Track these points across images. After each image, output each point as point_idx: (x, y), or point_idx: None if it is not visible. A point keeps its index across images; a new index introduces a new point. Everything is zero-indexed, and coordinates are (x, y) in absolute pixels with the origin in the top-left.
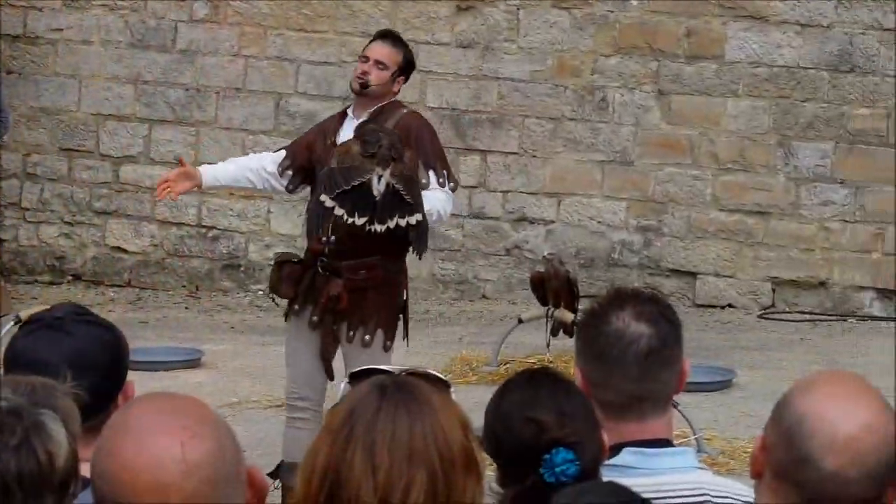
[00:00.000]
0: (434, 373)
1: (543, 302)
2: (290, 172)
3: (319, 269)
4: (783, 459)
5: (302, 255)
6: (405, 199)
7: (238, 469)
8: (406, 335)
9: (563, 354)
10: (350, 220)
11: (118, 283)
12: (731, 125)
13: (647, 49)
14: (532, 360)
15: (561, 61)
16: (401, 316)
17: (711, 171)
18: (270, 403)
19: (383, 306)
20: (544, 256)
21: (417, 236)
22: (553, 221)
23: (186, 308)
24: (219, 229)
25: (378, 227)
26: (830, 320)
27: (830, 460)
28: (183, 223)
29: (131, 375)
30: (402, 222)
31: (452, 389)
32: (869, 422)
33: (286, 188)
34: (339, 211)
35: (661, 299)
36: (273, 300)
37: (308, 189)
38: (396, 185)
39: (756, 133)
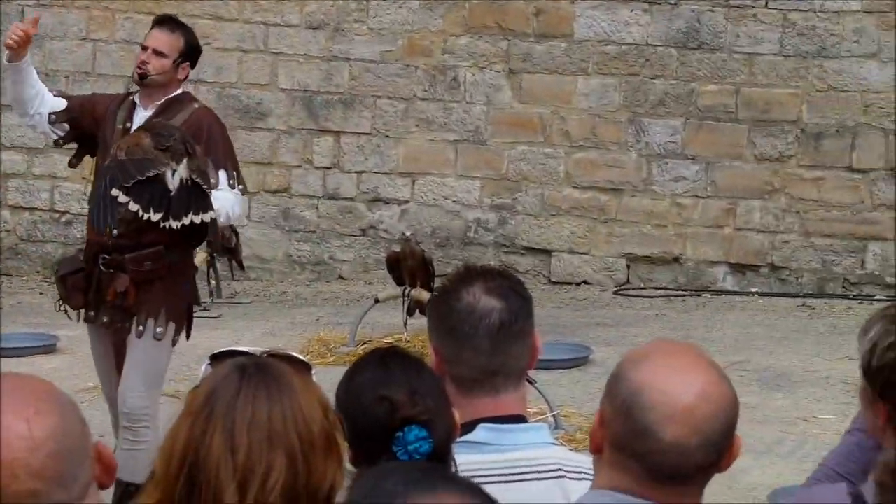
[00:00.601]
0: (295, 354)
1: (400, 282)
2: (66, 126)
3: (102, 267)
4: (621, 432)
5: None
6: (201, 194)
7: (85, 444)
8: (188, 328)
9: (420, 334)
10: (146, 216)
11: None
12: (583, 103)
13: (496, 28)
14: (389, 340)
15: (411, 41)
16: (188, 305)
17: (564, 149)
18: None
19: (173, 296)
20: (401, 235)
21: (213, 232)
22: (408, 201)
23: (41, 293)
24: (72, 214)
25: (174, 224)
26: (685, 295)
27: (670, 430)
28: (36, 208)
29: None
30: (197, 219)
31: (313, 371)
32: (705, 390)
33: (56, 141)
34: (134, 206)
35: (510, 275)
36: (66, 312)
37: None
38: (197, 180)
39: (607, 110)
